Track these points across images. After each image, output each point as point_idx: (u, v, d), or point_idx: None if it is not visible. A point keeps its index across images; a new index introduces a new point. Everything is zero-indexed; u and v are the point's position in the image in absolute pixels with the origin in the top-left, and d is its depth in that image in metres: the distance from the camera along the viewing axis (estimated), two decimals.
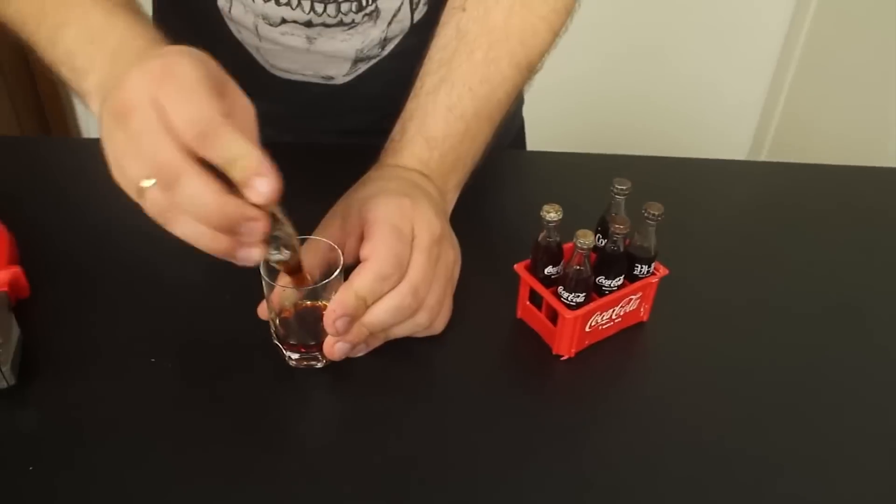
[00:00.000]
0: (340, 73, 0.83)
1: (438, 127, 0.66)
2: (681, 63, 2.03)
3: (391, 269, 0.55)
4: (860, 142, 1.99)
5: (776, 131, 2.10)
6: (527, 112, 1.04)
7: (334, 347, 0.57)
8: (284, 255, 0.52)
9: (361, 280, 0.55)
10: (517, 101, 0.74)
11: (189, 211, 0.46)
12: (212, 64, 0.49)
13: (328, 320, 0.55)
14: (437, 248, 0.59)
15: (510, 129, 0.98)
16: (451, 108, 0.67)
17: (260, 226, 0.47)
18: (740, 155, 2.20)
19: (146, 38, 0.55)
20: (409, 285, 0.56)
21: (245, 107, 0.50)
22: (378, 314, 0.56)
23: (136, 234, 0.70)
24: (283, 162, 0.81)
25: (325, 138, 0.89)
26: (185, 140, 0.45)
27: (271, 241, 0.50)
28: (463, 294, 0.64)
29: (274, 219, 0.49)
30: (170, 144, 0.45)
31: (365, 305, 0.56)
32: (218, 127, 0.45)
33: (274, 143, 0.86)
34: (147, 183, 0.46)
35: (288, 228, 0.51)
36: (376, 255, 0.56)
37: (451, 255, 0.62)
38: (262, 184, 0.45)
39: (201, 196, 0.45)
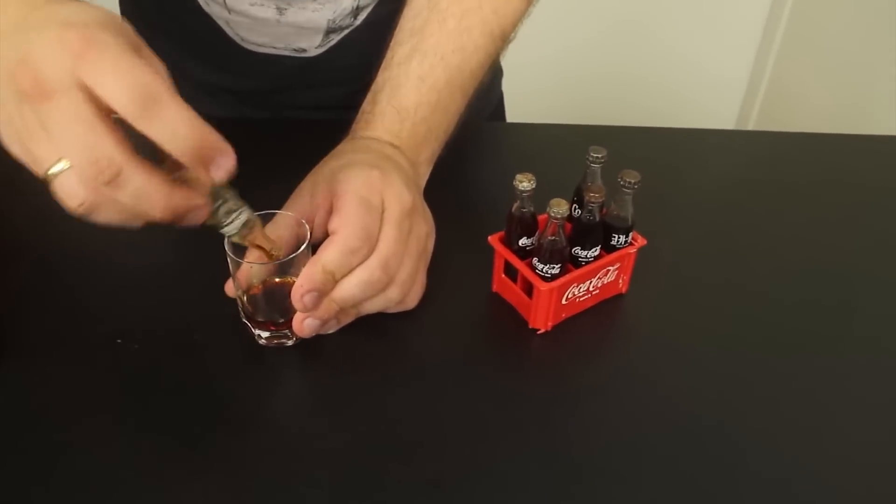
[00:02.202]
0: (312, 45, 0.81)
1: (410, 97, 0.65)
2: (666, 35, 2.01)
3: (359, 242, 0.54)
4: (847, 112, 1.98)
5: (762, 103, 2.08)
6: (509, 87, 1.02)
7: (303, 324, 0.55)
8: (235, 225, 0.50)
9: (329, 254, 0.53)
10: (492, 72, 0.73)
11: (129, 204, 0.43)
12: (128, 28, 0.44)
13: (295, 296, 0.53)
14: (409, 221, 0.58)
15: (488, 101, 0.96)
16: (423, 78, 0.65)
17: (204, 212, 0.46)
18: (727, 127, 2.19)
19: None
20: (378, 259, 0.55)
21: (163, 71, 0.45)
22: (347, 289, 0.55)
23: None
24: (256, 138, 0.80)
25: (299, 114, 0.87)
26: (123, 114, 0.40)
27: (221, 215, 0.49)
28: (437, 268, 0.62)
29: (217, 194, 0.48)
30: (107, 136, 0.40)
31: (333, 280, 0.54)
32: (163, 94, 0.40)
33: (246, 118, 0.86)
34: (57, 168, 0.42)
35: (236, 199, 0.50)
36: (344, 228, 0.54)
37: (424, 228, 0.60)
38: (223, 163, 0.43)
39: (146, 191, 0.42)
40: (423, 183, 0.66)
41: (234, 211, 0.49)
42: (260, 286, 0.57)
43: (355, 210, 0.55)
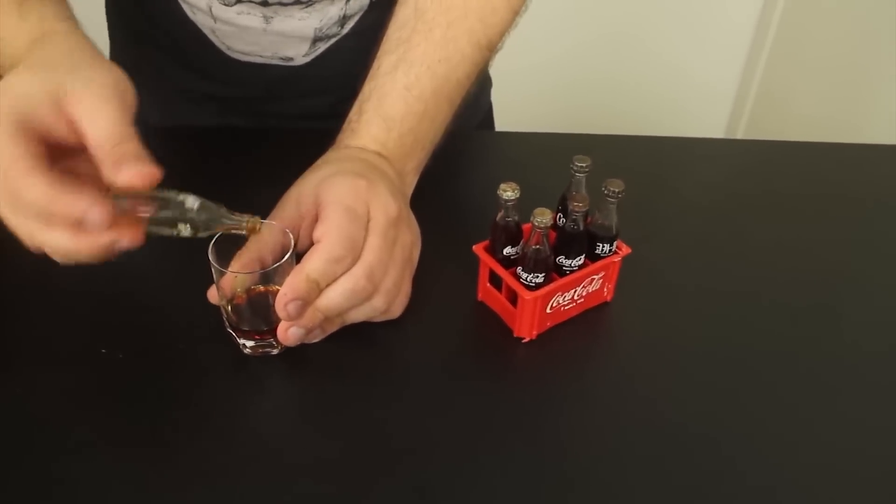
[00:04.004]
0: (299, 54, 0.81)
1: (396, 107, 0.65)
2: (655, 43, 2.02)
3: (343, 252, 0.54)
4: (835, 121, 1.99)
5: (751, 112, 2.09)
6: (499, 95, 1.02)
7: (287, 332, 0.55)
8: (188, 230, 0.51)
9: (313, 262, 0.53)
10: (479, 82, 0.73)
11: (31, 217, 0.48)
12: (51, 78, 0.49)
13: (279, 304, 0.53)
14: (394, 231, 0.58)
15: (477, 109, 0.96)
16: (410, 87, 0.65)
17: (97, 212, 0.46)
18: (716, 136, 2.19)
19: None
20: (363, 268, 0.55)
21: (104, 80, 0.50)
22: (331, 297, 0.55)
23: None
24: (242, 146, 0.80)
25: (286, 122, 0.87)
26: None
27: (163, 221, 0.50)
28: (423, 277, 0.62)
29: (157, 200, 0.49)
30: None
31: (318, 289, 0.54)
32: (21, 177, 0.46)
33: (233, 127, 0.86)
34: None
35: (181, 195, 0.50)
36: (328, 237, 0.54)
37: (409, 238, 0.60)
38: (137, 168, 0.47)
39: (30, 195, 0.46)
40: (409, 192, 0.66)
41: (183, 205, 0.50)
42: (244, 295, 0.57)
43: (340, 219, 0.55)
